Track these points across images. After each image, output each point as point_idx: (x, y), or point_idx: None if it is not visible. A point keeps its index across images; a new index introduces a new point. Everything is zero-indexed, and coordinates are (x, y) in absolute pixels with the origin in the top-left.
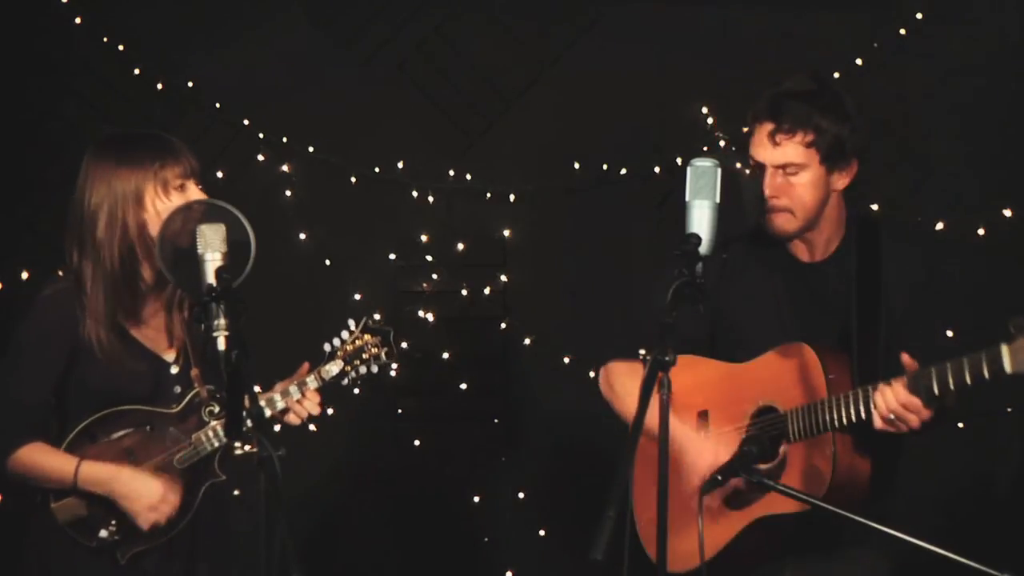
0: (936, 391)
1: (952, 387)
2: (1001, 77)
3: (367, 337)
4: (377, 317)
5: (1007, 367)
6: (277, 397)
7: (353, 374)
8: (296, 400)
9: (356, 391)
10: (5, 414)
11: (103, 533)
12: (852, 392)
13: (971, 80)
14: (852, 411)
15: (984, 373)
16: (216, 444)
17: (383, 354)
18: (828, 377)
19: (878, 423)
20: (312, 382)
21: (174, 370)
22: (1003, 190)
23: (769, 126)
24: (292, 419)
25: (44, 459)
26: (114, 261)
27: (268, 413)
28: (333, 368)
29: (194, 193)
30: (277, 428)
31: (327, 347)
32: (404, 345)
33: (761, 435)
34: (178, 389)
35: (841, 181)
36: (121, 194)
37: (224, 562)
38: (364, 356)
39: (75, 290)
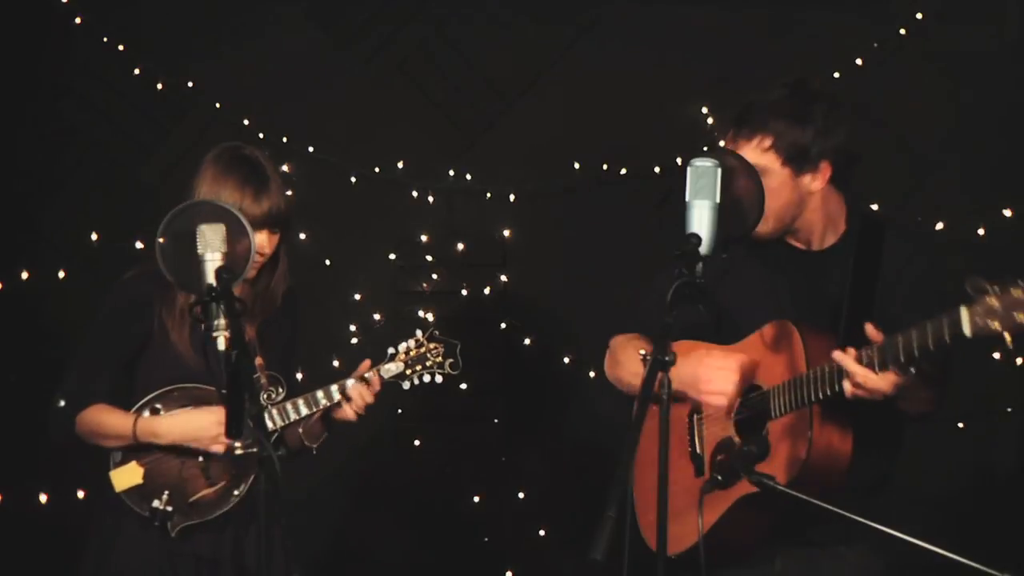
0: (902, 360)
1: (917, 354)
2: (1001, 77)
3: (432, 346)
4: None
5: (966, 330)
6: (334, 389)
7: (416, 379)
8: (357, 392)
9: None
10: (75, 384)
11: (156, 503)
12: (829, 365)
13: (971, 80)
14: (828, 384)
15: (945, 337)
16: (271, 426)
17: (447, 364)
18: (809, 353)
19: (848, 390)
20: (372, 378)
21: None
22: (1003, 190)
23: (731, 132)
24: (348, 412)
25: (106, 416)
26: None
27: (325, 403)
28: (393, 368)
29: (259, 240)
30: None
31: (391, 349)
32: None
33: (761, 436)
34: None
35: (814, 183)
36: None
37: (270, 538)
38: (427, 363)
39: (159, 275)
